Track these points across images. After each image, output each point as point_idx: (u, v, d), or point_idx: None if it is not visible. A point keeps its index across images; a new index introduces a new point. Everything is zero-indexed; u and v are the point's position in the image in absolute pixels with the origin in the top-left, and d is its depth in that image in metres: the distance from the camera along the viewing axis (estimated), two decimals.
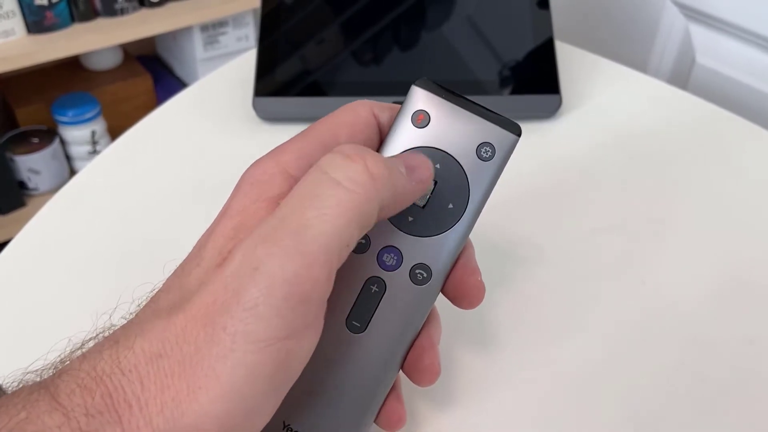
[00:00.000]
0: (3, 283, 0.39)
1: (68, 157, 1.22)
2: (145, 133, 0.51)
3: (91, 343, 0.23)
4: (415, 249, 0.25)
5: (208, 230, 0.24)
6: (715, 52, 0.77)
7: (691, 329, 0.36)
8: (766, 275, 0.39)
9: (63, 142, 1.19)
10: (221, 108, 0.53)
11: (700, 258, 0.40)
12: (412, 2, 0.54)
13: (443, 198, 0.26)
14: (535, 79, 0.51)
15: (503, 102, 0.51)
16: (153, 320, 0.22)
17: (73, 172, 1.23)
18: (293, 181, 0.24)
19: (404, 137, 0.26)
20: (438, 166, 0.26)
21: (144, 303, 0.23)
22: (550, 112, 0.51)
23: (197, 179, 0.46)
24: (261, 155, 0.26)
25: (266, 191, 0.23)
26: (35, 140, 1.16)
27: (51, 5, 1.02)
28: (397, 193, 0.23)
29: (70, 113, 1.16)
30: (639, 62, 0.87)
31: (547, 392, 0.33)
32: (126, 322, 0.23)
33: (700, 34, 0.80)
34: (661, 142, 0.49)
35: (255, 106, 0.50)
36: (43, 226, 0.43)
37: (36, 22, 1.03)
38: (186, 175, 0.47)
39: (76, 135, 1.18)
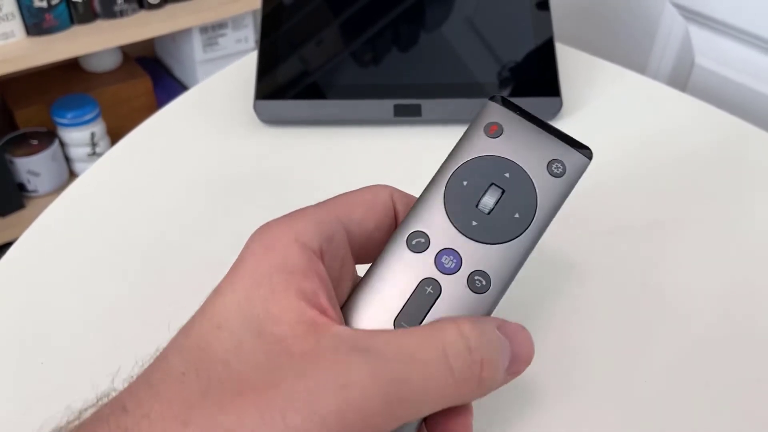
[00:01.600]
0: (5, 287, 0.39)
1: (67, 159, 1.22)
2: (145, 137, 0.51)
3: (89, 412, 0.21)
4: (476, 255, 0.25)
5: (218, 290, 0.23)
6: (715, 53, 0.78)
7: (697, 332, 0.36)
8: None
9: (62, 144, 1.19)
10: (222, 111, 0.53)
11: (703, 261, 0.40)
12: (412, 4, 0.54)
13: (510, 207, 0.25)
14: (536, 81, 0.51)
15: None
16: (172, 384, 0.20)
17: (72, 174, 1.23)
18: (309, 251, 0.23)
19: (475, 145, 0.26)
20: (507, 175, 0.26)
21: (148, 364, 0.22)
22: (551, 114, 0.51)
23: (199, 183, 0.46)
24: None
25: (287, 260, 0.22)
26: (34, 142, 1.16)
27: (50, 7, 1.02)
28: (485, 393, 0.23)
29: (70, 115, 1.16)
30: (638, 63, 0.87)
31: (553, 397, 0.33)
32: (129, 385, 0.21)
33: (699, 36, 0.80)
34: (662, 145, 0.49)
35: (256, 109, 0.50)
36: (44, 231, 0.43)
37: (35, 24, 1.03)
38: (188, 179, 0.47)
39: (76, 137, 1.18)
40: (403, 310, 0.24)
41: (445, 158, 0.26)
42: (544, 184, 0.25)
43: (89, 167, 0.48)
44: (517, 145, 0.26)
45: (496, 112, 0.26)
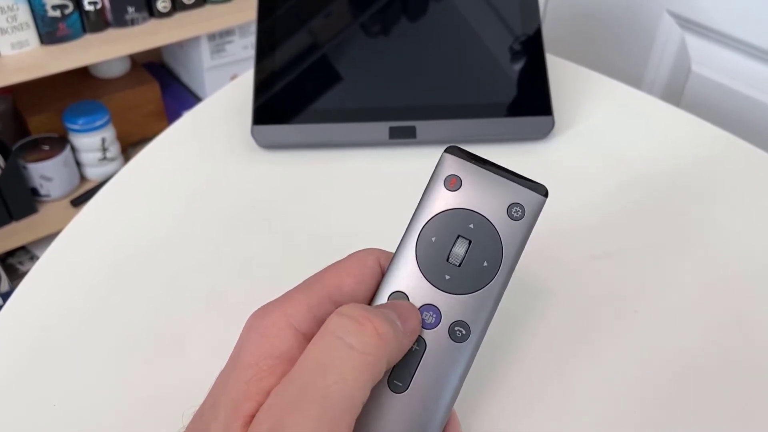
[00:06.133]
0: (15, 329, 0.39)
1: (79, 164, 1.24)
2: (142, 166, 0.51)
3: None
4: (454, 306, 0.26)
5: (221, 378, 0.25)
6: (711, 61, 0.79)
7: (686, 359, 0.36)
8: (762, 306, 0.39)
9: (74, 150, 1.22)
10: (219, 135, 0.53)
11: (697, 285, 0.40)
12: (405, 27, 0.55)
13: (478, 256, 0.27)
14: (528, 101, 0.52)
15: (496, 125, 0.51)
16: None
17: (83, 179, 1.25)
18: (300, 336, 0.25)
19: (438, 201, 0.27)
20: (472, 226, 0.27)
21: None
22: (543, 134, 0.51)
23: (199, 211, 0.46)
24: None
25: (277, 346, 0.24)
26: (46, 148, 1.18)
27: (63, 17, 1.05)
28: (400, 348, 0.25)
29: (81, 121, 1.18)
30: (636, 71, 0.88)
31: (538, 424, 0.33)
32: None
33: (695, 44, 0.82)
34: (655, 164, 0.49)
35: (253, 134, 0.51)
36: (45, 272, 0.43)
37: (49, 34, 1.05)
38: (187, 206, 0.47)
39: (87, 142, 1.21)
40: (395, 369, 0.26)
41: (412, 213, 0.28)
42: (506, 230, 0.27)
43: (90, 201, 0.48)
44: (476, 196, 0.27)
45: (453, 164, 0.28)
